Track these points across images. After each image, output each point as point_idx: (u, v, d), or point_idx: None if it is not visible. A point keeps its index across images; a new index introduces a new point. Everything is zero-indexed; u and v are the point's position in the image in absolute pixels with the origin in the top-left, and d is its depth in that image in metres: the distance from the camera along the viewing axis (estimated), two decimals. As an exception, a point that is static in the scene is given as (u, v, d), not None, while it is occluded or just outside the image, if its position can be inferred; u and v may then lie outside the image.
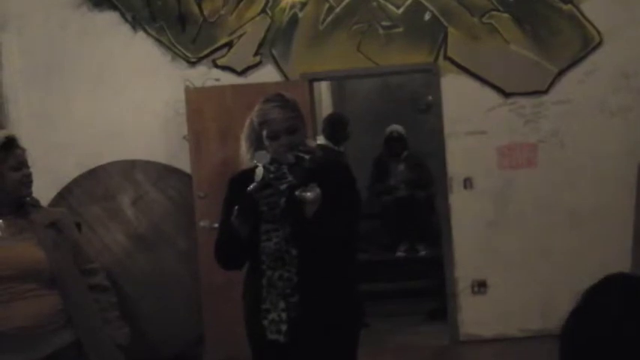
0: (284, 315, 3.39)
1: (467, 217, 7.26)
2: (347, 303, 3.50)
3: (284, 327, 3.39)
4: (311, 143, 3.61)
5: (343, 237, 3.46)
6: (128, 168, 7.37)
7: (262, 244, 3.43)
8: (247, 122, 3.56)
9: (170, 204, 7.31)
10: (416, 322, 7.90)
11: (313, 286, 3.40)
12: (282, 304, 3.39)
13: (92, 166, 7.35)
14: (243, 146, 3.55)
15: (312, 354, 3.44)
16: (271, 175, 3.25)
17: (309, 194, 3.29)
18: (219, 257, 3.55)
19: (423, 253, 8.79)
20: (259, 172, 3.26)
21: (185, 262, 7.19)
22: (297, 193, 3.29)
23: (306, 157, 3.38)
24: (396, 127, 9.14)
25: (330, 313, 3.44)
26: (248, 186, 3.26)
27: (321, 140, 7.45)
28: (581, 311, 1.77)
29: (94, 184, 7.34)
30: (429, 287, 8.09)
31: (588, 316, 1.74)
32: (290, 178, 3.29)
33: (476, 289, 7.21)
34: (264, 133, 3.46)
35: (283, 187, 3.29)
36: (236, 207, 3.30)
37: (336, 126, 8.16)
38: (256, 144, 3.49)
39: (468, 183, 7.24)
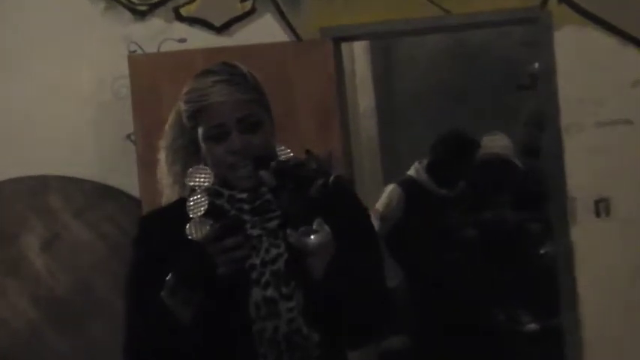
0: None
1: (601, 261, 5.78)
2: None
3: None
4: (284, 150, 2.44)
5: (385, 314, 2.43)
6: (37, 189, 6.12)
7: (257, 325, 2.33)
8: (170, 118, 2.46)
9: (104, 247, 6.04)
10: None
11: None
12: None
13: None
14: (163, 163, 2.45)
15: None
16: (246, 207, 2.30)
17: (312, 238, 2.24)
18: None
19: (531, 326, 6.65)
20: (196, 205, 2.31)
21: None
22: (290, 237, 2.24)
23: (319, 180, 2.27)
24: (494, 144, 6.58)
25: None
26: (176, 234, 2.31)
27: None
28: None
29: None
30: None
31: None
32: (276, 210, 2.31)
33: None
34: (200, 131, 2.34)
35: (272, 224, 2.31)
36: (169, 275, 2.21)
37: None
38: (187, 156, 2.44)
39: (602, 207, 5.84)
